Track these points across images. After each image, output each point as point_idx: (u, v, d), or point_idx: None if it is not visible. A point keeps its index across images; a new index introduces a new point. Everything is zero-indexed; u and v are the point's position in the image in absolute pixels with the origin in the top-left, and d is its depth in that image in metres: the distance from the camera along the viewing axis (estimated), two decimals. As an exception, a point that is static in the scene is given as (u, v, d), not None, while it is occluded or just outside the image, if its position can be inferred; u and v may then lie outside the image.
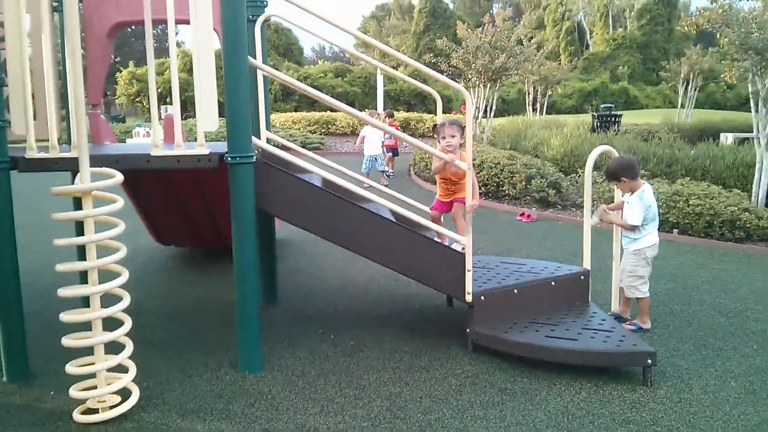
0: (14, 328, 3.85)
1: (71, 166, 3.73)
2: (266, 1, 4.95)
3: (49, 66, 3.99)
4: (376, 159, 12.60)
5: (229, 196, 3.84)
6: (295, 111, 28.82)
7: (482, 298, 4.26)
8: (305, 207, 4.15)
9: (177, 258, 7.27)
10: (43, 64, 4.00)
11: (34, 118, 3.81)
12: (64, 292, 3.34)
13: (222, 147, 4.02)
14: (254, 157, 3.85)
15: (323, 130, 23.25)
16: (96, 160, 3.50)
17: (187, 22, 3.80)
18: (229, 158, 3.76)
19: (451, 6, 66.98)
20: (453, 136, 4.54)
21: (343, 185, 4.32)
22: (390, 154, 13.92)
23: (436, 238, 4.46)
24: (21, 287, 3.91)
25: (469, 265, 4.19)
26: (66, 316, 3.35)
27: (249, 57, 3.86)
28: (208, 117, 3.77)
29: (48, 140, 3.87)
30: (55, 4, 4.63)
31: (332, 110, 25.79)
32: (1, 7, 3.72)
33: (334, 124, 23.40)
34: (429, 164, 11.84)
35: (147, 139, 17.08)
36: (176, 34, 3.87)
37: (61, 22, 4.91)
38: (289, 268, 6.58)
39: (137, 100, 37.70)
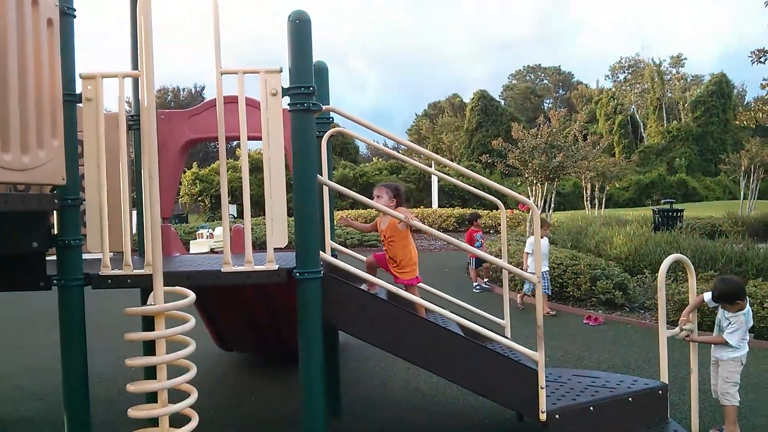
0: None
1: (144, 283, 3.80)
2: (332, 117, 5.11)
3: (125, 183, 4.15)
4: (544, 276, 9.71)
5: (296, 307, 3.84)
6: (351, 208, 29.26)
7: (557, 416, 4.06)
8: (371, 321, 4.11)
9: (239, 364, 7.26)
10: (120, 181, 4.16)
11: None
12: (134, 413, 3.31)
13: (290, 259, 4.05)
14: (321, 272, 3.86)
15: (379, 228, 23.43)
16: (168, 278, 3.55)
17: (258, 138, 3.93)
18: (297, 274, 3.79)
19: (502, 103, 68.30)
20: (379, 197, 4.71)
21: (407, 297, 4.29)
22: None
23: (506, 353, 4.33)
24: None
25: (542, 381, 4.03)
26: (134, 439, 3.32)
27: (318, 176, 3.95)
28: (279, 234, 3.84)
29: (119, 251, 3.98)
30: (130, 122, 4.86)
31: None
32: (81, 125, 3.92)
33: (390, 222, 23.59)
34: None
35: (210, 241, 17.58)
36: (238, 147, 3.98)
37: (136, 139, 5.13)
38: (351, 375, 6.46)
39: (200, 199, 38.97)
